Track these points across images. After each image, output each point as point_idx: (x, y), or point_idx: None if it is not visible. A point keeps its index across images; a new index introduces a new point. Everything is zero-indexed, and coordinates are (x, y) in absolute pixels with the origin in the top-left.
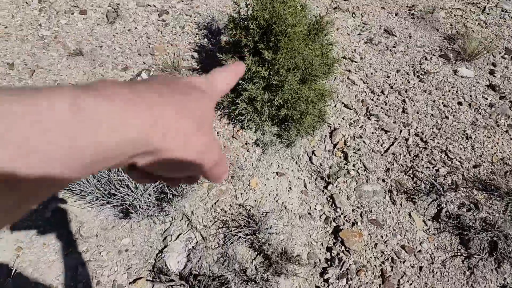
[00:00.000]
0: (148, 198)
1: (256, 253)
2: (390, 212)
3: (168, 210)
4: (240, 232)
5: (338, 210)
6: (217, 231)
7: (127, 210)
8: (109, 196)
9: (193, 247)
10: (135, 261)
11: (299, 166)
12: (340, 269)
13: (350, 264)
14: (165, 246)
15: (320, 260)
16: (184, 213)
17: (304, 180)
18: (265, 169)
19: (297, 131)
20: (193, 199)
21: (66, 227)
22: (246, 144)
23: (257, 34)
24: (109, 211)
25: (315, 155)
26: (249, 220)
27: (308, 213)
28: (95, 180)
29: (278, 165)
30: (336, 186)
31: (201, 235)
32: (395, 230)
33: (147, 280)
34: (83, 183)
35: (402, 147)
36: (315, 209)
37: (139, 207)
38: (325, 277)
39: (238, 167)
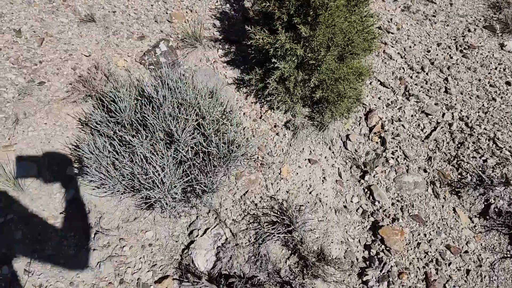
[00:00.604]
0: (176, 194)
1: (290, 252)
2: (433, 207)
3: (197, 205)
4: (273, 229)
5: (376, 203)
6: (248, 226)
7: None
8: (132, 190)
9: (222, 244)
10: (160, 257)
11: (333, 152)
12: (381, 271)
13: (391, 266)
14: (192, 242)
15: (357, 259)
16: (211, 207)
17: (338, 168)
18: (296, 156)
19: (332, 113)
20: (221, 190)
21: (84, 219)
22: (275, 126)
23: (293, 7)
24: (131, 201)
25: (349, 139)
26: (283, 216)
27: (344, 206)
28: (118, 173)
29: (310, 151)
30: (374, 176)
31: (231, 231)
32: (439, 227)
33: (173, 279)
34: (104, 175)
35: (445, 133)
36: (351, 201)
37: (166, 204)
38: (364, 279)
39: (268, 153)
